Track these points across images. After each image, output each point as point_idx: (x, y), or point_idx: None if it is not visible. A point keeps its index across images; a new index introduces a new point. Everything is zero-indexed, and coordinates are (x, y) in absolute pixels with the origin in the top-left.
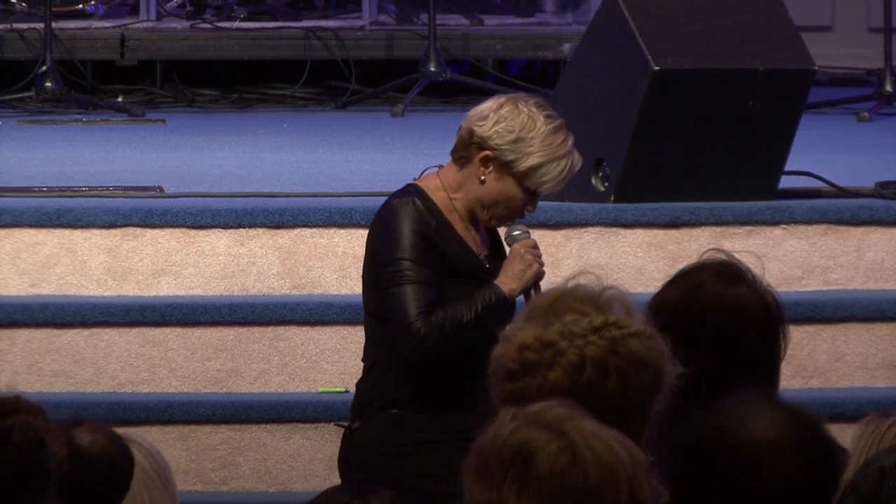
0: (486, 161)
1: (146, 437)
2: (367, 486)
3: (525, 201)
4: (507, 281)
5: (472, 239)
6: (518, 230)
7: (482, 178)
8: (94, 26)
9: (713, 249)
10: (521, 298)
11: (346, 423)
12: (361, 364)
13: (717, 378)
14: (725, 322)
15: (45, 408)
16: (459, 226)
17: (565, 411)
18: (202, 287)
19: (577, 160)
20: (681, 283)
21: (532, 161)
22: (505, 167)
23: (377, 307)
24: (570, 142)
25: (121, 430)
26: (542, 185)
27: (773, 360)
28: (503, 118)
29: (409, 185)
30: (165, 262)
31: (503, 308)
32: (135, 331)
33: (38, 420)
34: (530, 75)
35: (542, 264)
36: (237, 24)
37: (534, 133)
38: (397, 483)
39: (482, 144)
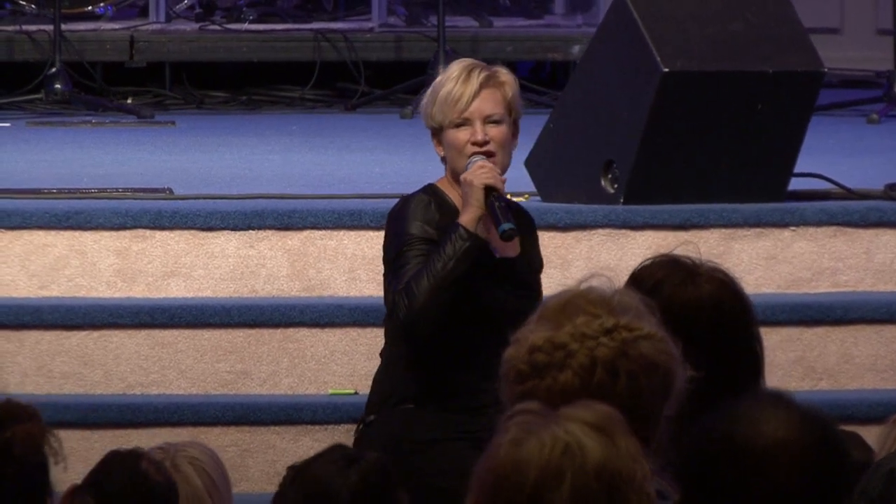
0: (435, 139)
1: (202, 443)
2: (357, 455)
3: (466, 139)
4: (462, 213)
5: (482, 230)
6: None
7: (442, 156)
8: (103, 28)
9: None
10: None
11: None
12: (371, 365)
13: (713, 381)
14: (705, 325)
15: (37, 410)
16: None
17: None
18: (211, 289)
19: (476, 76)
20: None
21: (438, 103)
22: (438, 132)
23: None
24: (461, 65)
25: (180, 437)
26: (455, 109)
27: (755, 351)
28: (426, 94)
29: (427, 185)
30: (175, 264)
31: (470, 244)
32: (144, 333)
33: (36, 427)
34: (540, 77)
35: (488, 175)
36: (246, 26)
37: (436, 85)
38: (407, 479)
39: (428, 127)
